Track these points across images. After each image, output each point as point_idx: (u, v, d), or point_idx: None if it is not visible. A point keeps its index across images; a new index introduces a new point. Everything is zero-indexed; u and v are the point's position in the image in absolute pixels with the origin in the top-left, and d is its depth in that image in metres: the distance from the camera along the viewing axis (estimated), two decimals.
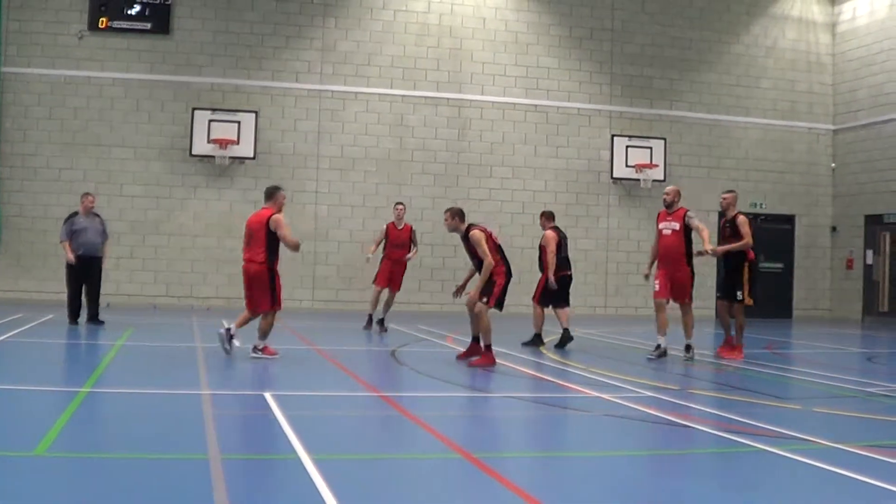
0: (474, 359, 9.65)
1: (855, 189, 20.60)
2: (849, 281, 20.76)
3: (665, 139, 19.59)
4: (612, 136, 19.46)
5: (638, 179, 19.37)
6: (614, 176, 19.43)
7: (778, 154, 20.72)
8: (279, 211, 9.64)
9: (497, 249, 9.68)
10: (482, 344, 9.59)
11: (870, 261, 20.44)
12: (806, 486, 5.02)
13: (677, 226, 10.48)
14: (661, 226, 10.66)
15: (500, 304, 9.63)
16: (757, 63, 20.64)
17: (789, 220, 20.84)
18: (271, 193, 9.75)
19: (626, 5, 19.82)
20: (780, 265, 20.74)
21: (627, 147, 19.40)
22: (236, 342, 9.61)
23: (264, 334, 9.50)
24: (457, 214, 9.76)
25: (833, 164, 21.08)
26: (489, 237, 9.59)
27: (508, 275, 9.66)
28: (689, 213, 10.58)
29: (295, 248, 9.47)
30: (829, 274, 21.13)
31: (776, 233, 20.62)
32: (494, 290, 9.53)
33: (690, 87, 20.21)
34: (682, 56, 20.16)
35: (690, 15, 20.25)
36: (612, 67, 19.73)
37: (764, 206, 20.48)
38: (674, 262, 10.48)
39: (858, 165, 20.52)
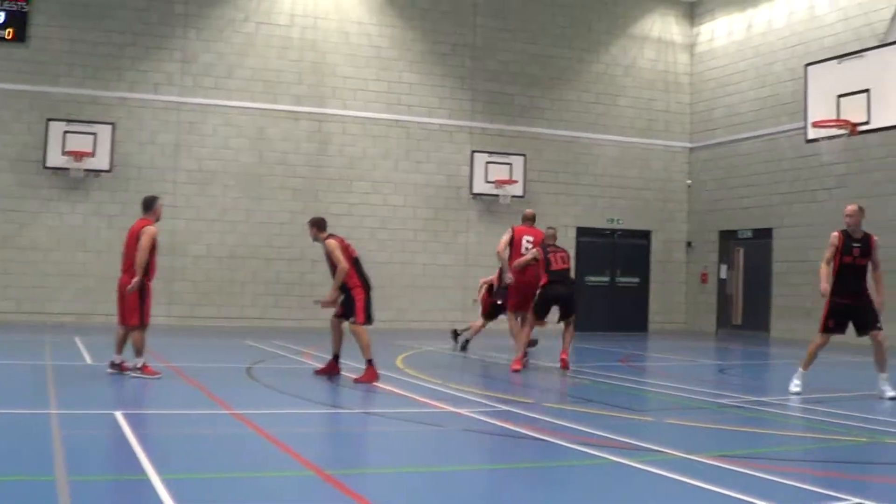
0: (358, 376, 12.13)
1: (710, 205, 27.37)
2: (703, 295, 27.54)
3: (525, 155, 25.77)
4: (473, 151, 25.52)
5: (497, 195, 25.50)
6: (474, 191, 25.50)
7: (635, 171, 27.32)
8: (156, 221, 11.89)
9: (353, 263, 12.31)
10: (365, 359, 12.06)
11: (724, 275, 27.21)
12: (659, 497, 6.41)
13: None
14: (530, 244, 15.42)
15: (369, 318, 12.19)
16: (616, 81, 27.20)
17: (645, 235, 27.48)
18: (149, 203, 11.90)
19: (488, 22, 25.92)
20: (636, 280, 27.39)
21: (487, 163, 25.50)
22: (129, 364, 11.91)
23: (139, 352, 11.69)
24: (315, 224, 12.61)
25: (689, 181, 27.89)
26: (345, 248, 12.27)
27: (366, 287, 12.32)
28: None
29: (141, 264, 11.48)
30: (684, 288, 27.90)
31: (632, 248, 27.25)
32: (357, 306, 12.14)
33: (551, 104, 26.52)
34: (542, 73, 26.44)
35: (552, 33, 26.55)
36: (473, 83, 25.82)
37: (621, 222, 26.99)
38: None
39: (713, 182, 27.28)
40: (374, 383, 11.94)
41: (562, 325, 15.06)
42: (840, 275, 11.90)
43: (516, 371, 14.25)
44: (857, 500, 6.20)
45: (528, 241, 15.58)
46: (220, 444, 8.00)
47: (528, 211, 16.76)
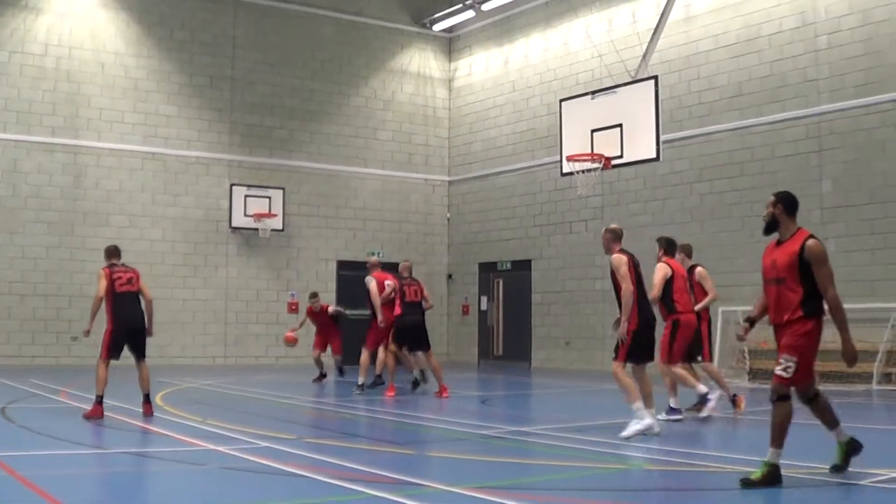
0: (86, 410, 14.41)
1: (469, 238, 33.53)
2: (465, 326, 33.60)
3: (284, 189, 31.20)
4: (231, 185, 30.75)
5: (256, 229, 30.75)
6: (233, 225, 30.69)
7: (395, 204, 33.25)
8: None
9: (112, 297, 14.73)
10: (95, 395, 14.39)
11: (484, 307, 33.33)
12: None
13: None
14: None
15: (113, 353, 14.67)
16: (376, 115, 33.26)
17: None
18: None
19: (247, 55, 31.34)
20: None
21: (246, 196, 30.76)
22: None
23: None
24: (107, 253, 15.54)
25: (448, 215, 34.10)
26: (111, 282, 14.74)
27: (118, 323, 14.70)
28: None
29: None
30: (446, 320, 33.90)
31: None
32: (104, 341, 14.60)
33: (310, 137, 32.18)
34: (302, 106, 32.07)
35: (312, 66, 32.28)
36: (232, 116, 31.15)
37: (382, 255, 32.69)
38: None
39: (473, 215, 33.49)
40: (96, 420, 14.05)
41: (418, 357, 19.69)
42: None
43: (390, 397, 18.44)
44: None
45: (388, 284, 20.00)
46: None
47: (374, 259, 21.30)
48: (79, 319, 28.18)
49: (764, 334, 23.72)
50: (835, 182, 23.29)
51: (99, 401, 14.29)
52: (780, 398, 9.05)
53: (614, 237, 13.23)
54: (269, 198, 30.97)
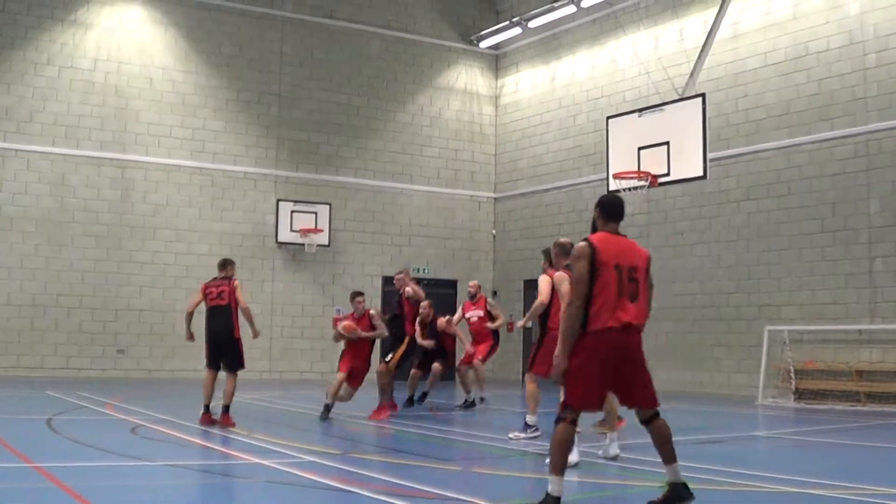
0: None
1: (515, 255, 33.56)
2: (510, 343, 33.56)
3: (330, 204, 31.39)
4: (278, 200, 30.96)
5: (303, 244, 30.93)
6: (279, 240, 30.91)
7: (441, 220, 33.38)
8: None
9: (206, 311, 16.09)
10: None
11: (529, 324, 33.30)
12: None
13: (481, 312, 21.32)
14: (467, 315, 21.47)
15: (209, 363, 15.99)
16: (422, 132, 33.41)
17: (452, 284, 33.44)
18: None
19: (294, 71, 31.58)
20: None
21: (293, 212, 30.96)
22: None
23: None
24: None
25: (494, 231, 34.16)
26: (203, 297, 16.07)
27: (207, 336, 16.05)
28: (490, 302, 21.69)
29: None
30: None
31: (440, 297, 33.05)
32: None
33: (357, 153, 32.36)
34: (348, 122, 32.27)
35: (358, 82, 32.47)
36: (279, 132, 31.38)
37: (427, 272, 32.83)
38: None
39: (518, 232, 33.53)
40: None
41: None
42: None
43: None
44: None
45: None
46: (21, 499, 8.96)
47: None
48: (125, 333, 28.76)
49: (810, 353, 23.86)
50: (883, 201, 23.16)
51: (205, 409, 15.42)
52: (557, 419, 8.35)
53: (559, 252, 12.92)
54: (316, 213, 31.15)
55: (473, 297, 21.96)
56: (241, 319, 15.89)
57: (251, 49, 31.32)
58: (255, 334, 16.34)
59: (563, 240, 13.12)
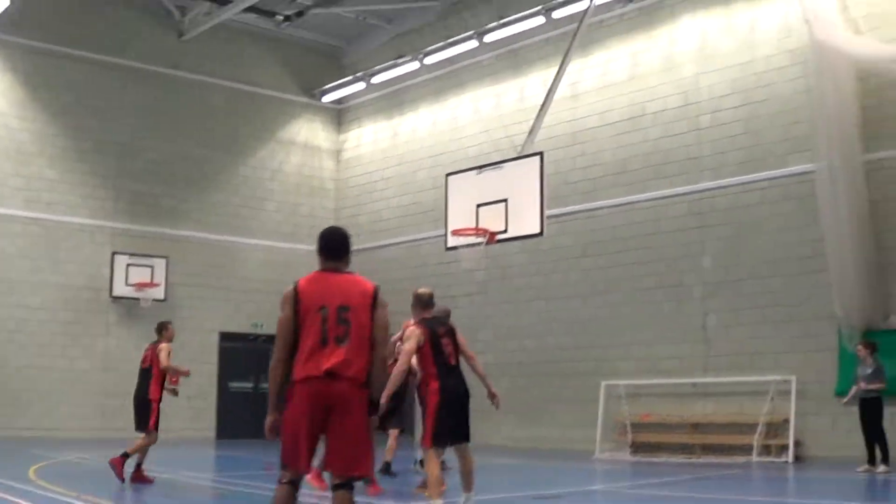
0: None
1: None
2: None
3: (168, 258, 30.87)
4: (113, 253, 30.31)
5: (138, 298, 30.40)
6: (114, 294, 30.26)
7: (280, 275, 32.79)
8: None
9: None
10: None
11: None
12: None
13: None
14: None
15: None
16: (263, 185, 33.21)
17: None
18: None
19: (135, 121, 31.07)
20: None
21: (128, 265, 30.35)
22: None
23: None
24: None
25: None
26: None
27: None
28: None
29: None
30: None
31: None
32: None
33: (197, 206, 31.98)
34: (189, 175, 31.89)
35: (200, 134, 32.13)
36: (117, 182, 30.82)
37: (265, 327, 32.45)
38: None
39: None
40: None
41: None
42: None
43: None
44: None
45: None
46: None
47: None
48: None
49: (646, 406, 24.28)
50: (715, 258, 23.79)
51: (136, 466, 15.75)
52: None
53: (418, 303, 12.44)
54: (152, 267, 30.54)
55: None
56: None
57: (91, 97, 30.62)
58: (184, 374, 16.72)
59: (421, 290, 12.82)
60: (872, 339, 19.63)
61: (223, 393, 31.89)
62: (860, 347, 19.17)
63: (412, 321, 12.69)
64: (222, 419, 31.56)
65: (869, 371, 18.71)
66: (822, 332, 21.66)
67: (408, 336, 12.04)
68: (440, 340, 12.04)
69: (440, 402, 11.76)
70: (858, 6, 21.88)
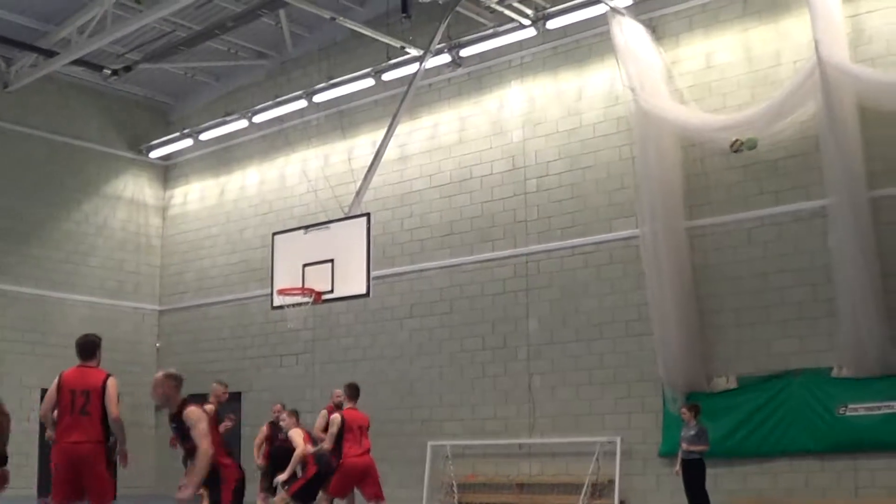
0: None
1: (180, 368, 31.53)
2: (173, 459, 31.84)
3: None
4: None
5: None
6: None
7: (104, 332, 31.09)
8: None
9: None
10: None
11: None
12: None
13: None
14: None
15: None
16: (87, 240, 31.90)
17: None
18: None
19: None
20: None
21: None
22: None
23: None
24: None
25: (158, 344, 32.87)
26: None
27: None
28: None
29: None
30: (154, 452, 32.48)
31: None
32: None
33: (18, 259, 30.48)
34: (10, 227, 30.40)
35: (22, 186, 30.72)
36: None
37: None
38: None
39: (183, 346, 32.38)
40: None
41: None
42: None
43: None
44: None
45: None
46: None
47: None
48: None
49: (472, 466, 23.94)
50: (541, 320, 23.66)
51: None
52: None
53: (178, 385, 11.54)
54: None
55: (339, 407, 20.20)
56: None
57: None
58: None
59: (173, 371, 11.93)
60: (696, 401, 19.62)
61: (44, 451, 30.35)
62: (684, 410, 19.11)
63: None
64: (43, 477, 30.03)
65: (692, 433, 18.64)
66: (647, 394, 21.70)
67: (197, 417, 11.06)
68: None
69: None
70: (684, 77, 22.14)
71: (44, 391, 29.95)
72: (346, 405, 16.60)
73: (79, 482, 11.64)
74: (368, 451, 17.30)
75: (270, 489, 19.82)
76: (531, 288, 23.97)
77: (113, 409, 12.10)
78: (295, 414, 19.39)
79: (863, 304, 18.88)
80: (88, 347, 12.25)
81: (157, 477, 32.54)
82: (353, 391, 16.79)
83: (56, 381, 11.74)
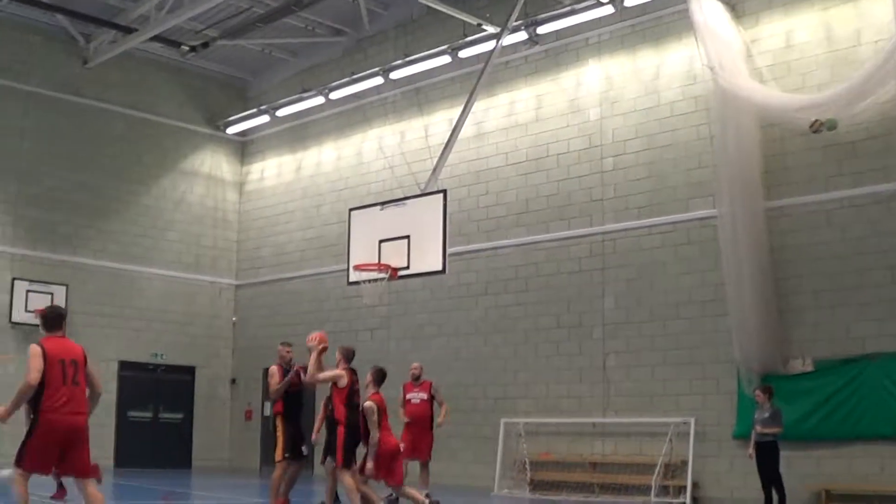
0: None
1: (255, 342, 32.61)
2: (248, 432, 32.55)
3: (67, 285, 29.81)
4: (13, 279, 29.18)
5: (37, 325, 29.19)
6: (13, 320, 29.10)
7: (181, 306, 32.18)
8: None
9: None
10: None
11: (268, 412, 32.36)
12: None
13: (425, 395, 20.03)
14: (408, 395, 20.08)
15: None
16: (165, 215, 32.25)
17: (190, 370, 32.25)
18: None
19: (35, 147, 29.94)
20: (179, 416, 32.00)
21: (28, 291, 29.27)
22: None
23: None
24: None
25: (234, 318, 33.14)
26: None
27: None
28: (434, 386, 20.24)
29: None
30: (228, 425, 32.79)
31: (177, 383, 31.91)
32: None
33: (97, 234, 30.91)
34: (90, 202, 30.82)
35: (101, 162, 31.11)
36: (16, 208, 29.66)
37: (165, 357, 31.58)
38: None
39: (259, 320, 32.63)
40: None
41: None
42: None
43: None
44: None
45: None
46: None
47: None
48: None
49: (545, 445, 23.88)
50: (617, 299, 23.51)
51: None
52: None
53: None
54: (52, 294, 29.41)
55: (417, 379, 20.59)
56: None
57: None
58: None
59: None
60: (770, 383, 19.36)
61: (122, 421, 30.87)
62: (758, 392, 18.86)
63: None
64: (121, 448, 30.50)
65: (766, 415, 18.40)
66: (722, 376, 21.50)
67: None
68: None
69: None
70: (763, 56, 21.82)
71: (123, 363, 30.68)
72: (371, 390, 15.94)
73: (61, 454, 11.33)
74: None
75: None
76: (607, 267, 23.82)
77: (97, 381, 12.13)
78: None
79: None
80: (58, 319, 11.91)
81: (232, 449, 32.90)
82: (380, 376, 16.22)
83: (39, 351, 11.09)
